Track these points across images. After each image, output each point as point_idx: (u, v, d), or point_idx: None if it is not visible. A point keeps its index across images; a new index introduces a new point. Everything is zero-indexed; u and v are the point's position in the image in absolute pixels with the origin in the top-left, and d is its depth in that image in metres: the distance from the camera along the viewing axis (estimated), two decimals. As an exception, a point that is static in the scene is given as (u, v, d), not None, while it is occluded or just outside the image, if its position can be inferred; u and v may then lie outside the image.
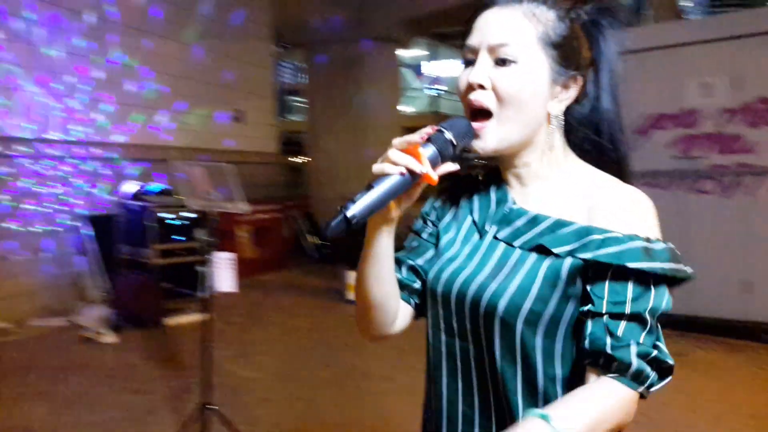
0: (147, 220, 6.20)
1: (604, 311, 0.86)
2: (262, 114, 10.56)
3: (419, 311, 1.12)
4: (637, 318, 0.86)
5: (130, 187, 6.73)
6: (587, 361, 0.87)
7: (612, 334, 0.85)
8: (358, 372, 4.71)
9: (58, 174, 6.58)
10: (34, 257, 6.28)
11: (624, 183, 0.98)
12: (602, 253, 0.87)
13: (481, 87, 0.95)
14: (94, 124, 7.08)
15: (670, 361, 0.87)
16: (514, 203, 1.02)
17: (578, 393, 0.85)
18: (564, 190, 0.99)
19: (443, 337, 1.03)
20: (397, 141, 0.91)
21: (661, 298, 0.88)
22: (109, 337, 5.41)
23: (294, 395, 4.24)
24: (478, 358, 0.98)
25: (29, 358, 4.94)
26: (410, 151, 0.89)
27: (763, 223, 5.39)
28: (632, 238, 0.88)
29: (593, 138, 1.03)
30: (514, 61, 0.93)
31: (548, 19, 0.96)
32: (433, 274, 1.05)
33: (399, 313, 1.09)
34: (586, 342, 0.87)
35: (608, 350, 0.84)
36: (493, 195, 1.06)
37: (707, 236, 5.60)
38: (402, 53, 16.68)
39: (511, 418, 0.93)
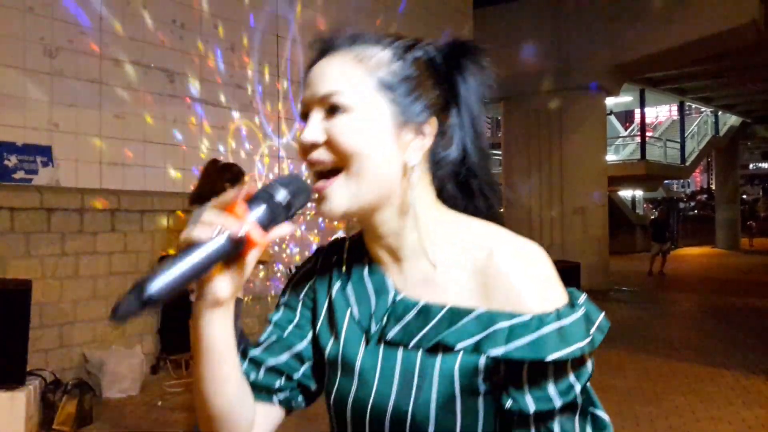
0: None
1: (530, 411, 0.75)
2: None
3: (289, 407, 0.95)
4: (568, 408, 0.75)
5: (336, 237, 7.11)
6: None
7: None
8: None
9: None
10: (251, 303, 6.86)
11: (509, 235, 0.82)
12: (514, 348, 0.74)
13: (316, 144, 0.82)
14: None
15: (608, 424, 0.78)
16: (397, 292, 0.86)
17: None
18: (448, 262, 0.83)
19: None
20: (214, 201, 0.78)
21: (584, 374, 0.76)
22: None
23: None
24: None
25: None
26: (229, 209, 0.74)
27: None
28: (542, 320, 0.74)
29: (462, 187, 0.89)
30: (347, 110, 0.80)
31: (383, 60, 0.82)
32: (334, 397, 0.88)
33: (257, 420, 0.89)
34: None
35: None
36: (368, 282, 0.89)
37: None
38: (609, 101, 16.11)
39: None
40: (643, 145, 21.86)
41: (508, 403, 0.76)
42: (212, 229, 0.72)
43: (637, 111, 25.00)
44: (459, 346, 0.77)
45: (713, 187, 35.83)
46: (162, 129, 6.20)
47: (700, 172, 48.16)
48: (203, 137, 6.56)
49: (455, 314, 0.79)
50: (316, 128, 0.81)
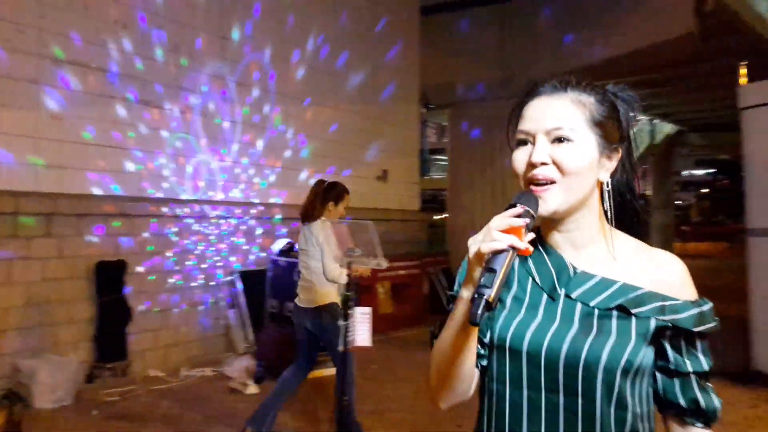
0: (294, 276, 6.42)
1: (689, 371, 1.10)
2: (405, 173, 10.77)
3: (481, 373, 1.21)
4: (708, 373, 1.11)
5: (280, 244, 7.06)
6: (674, 412, 1.13)
7: (703, 389, 1.11)
8: None
9: (218, 232, 7.07)
10: (190, 310, 6.74)
11: (655, 248, 1.17)
12: (676, 319, 1.08)
13: (544, 164, 1.10)
14: (253, 186, 7.58)
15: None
16: (575, 268, 1.15)
17: None
18: (609, 255, 1.14)
19: (525, 392, 1.11)
20: (499, 222, 1.02)
21: (708, 349, 1.12)
22: (253, 389, 5.60)
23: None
24: (570, 407, 1.08)
25: (181, 407, 5.22)
26: (514, 230, 1.01)
27: None
28: (690, 305, 1.09)
29: (622, 205, 1.21)
30: (570, 140, 1.09)
31: (591, 103, 1.12)
32: (513, 333, 1.13)
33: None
34: (681, 399, 1.11)
35: (702, 405, 1.10)
36: (548, 260, 1.18)
37: None
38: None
39: None
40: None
41: (672, 364, 1.10)
42: (505, 242, 0.98)
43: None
44: (634, 311, 1.08)
45: (649, 192, 36.95)
46: (102, 131, 6.03)
47: (637, 178, 49.68)
48: (144, 140, 6.42)
49: (627, 288, 1.10)
50: (544, 152, 1.09)
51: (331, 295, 4.26)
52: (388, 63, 10.29)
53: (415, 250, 10.38)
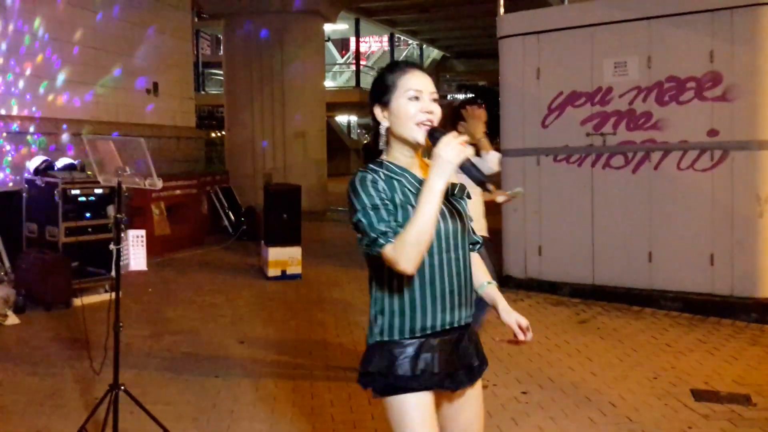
0: (55, 197, 5.88)
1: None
2: (178, 87, 10.21)
3: None
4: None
5: (35, 162, 6.36)
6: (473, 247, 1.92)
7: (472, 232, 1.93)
8: (273, 347, 4.67)
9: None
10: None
11: None
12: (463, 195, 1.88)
13: (432, 113, 1.73)
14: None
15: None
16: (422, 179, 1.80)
17: (480, 262, 1.98)
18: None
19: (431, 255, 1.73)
20: (462, 140, 1.60)
21: None
22: (13, 319, 5.14)
23: (207, 372, 4.16)
24: (456, 256, 1.77)
25: (-77, 343, 4.63)
26: (463, 143, 1.61)
27: (665, 197, 5.66)
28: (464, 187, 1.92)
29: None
30: (437, 101, 1.75)
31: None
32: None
33: None
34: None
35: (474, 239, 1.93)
36: (412, 178, 1.78)
37: (614, 209, 5.88)
38: (327, 28, 16.48)
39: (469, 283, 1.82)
40: (357, 73, 22.93)
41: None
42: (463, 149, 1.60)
43: (353, 40, 26.00)
44: (457, 195, 1.84)
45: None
46: None
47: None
48: None
49: (453, 185, 1.81)
50: (433, 105, 1.73)
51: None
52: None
53: (192, 168, 10.02)
